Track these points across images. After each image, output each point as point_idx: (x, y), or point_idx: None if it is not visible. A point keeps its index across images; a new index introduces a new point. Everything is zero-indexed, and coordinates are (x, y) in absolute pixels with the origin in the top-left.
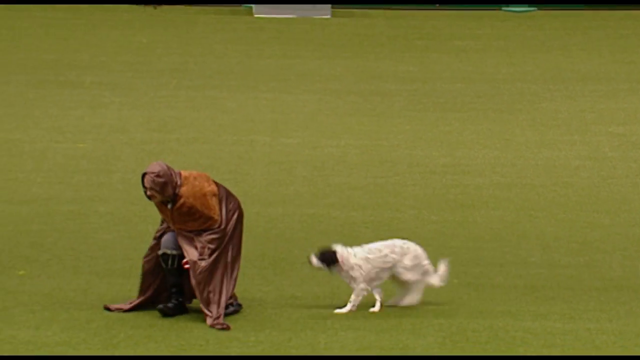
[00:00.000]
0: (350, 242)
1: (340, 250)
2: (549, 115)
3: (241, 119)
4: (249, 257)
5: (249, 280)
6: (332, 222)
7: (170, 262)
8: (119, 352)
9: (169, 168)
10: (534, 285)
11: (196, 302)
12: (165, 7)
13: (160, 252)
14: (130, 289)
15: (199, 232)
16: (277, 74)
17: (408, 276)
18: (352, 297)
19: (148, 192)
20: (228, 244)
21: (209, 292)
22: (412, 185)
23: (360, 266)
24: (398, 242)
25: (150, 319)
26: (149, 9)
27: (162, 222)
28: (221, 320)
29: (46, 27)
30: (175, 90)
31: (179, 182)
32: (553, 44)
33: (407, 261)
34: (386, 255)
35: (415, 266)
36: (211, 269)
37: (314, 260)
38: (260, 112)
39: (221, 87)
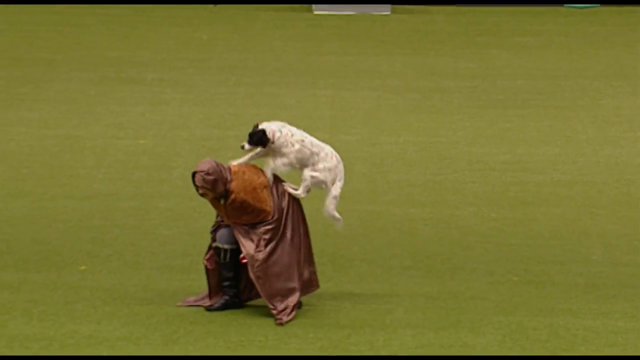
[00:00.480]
0: (409, 240)
1: (268, 127)
2: (611, 111)
3: (300, 116)
4: None
5: None
6: (390, 219)
7: (222, 255)
8: (179, 347)
9: (218, 164)
10: (595, 284)
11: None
12: (224, 5)
13: (213, 246)
14: (190, 285)
15: (254, 225)
16: (336, 70)
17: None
18: (276, 163)
19: (200, 191)
20: (285, 231)
21: (270, 284)
22: (472, 182)
23: (293, 144)
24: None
25: (210, 315)
26: (209, 7)
27: (217, 215)
28: (287, 312)
29: (108, 25)
30: (235, 87)
31: (229, 178)
32: (616, 40)
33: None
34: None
35: (330, 173)
36: (269, 261)
37: (247, 146)
38: (319, 108)
39: (280, 83)
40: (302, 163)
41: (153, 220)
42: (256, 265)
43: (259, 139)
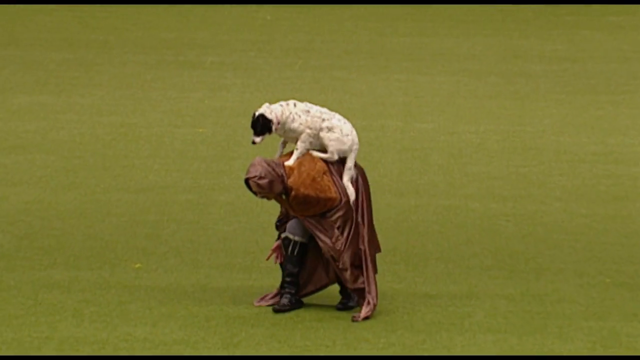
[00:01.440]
0: (490, 237)
1: (266, 109)
2: None
3: (371, 102)
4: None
5: (379, 276)
6: (469, 215)
7: (291, 248)
8: (240, 351)
9: (268, 164)
10: None
11: (317, 297)
12: None
13: (283, 236)
14: (252, 285)
15: (323, 214)
16: (411, 53)
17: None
18: (298, 144)
19: (259, 196)
20: (357, 213)
21: (357, 275)
22: (559, 175)
23: (299, 115)
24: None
25: (273, 317)
26: None
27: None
28: (370, 309)
29: (165, 4)
30: (301, 71)
31: (284, 174)
32: None
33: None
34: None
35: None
36: (350, 248)
37: (257, 139)
38: (392, 94)
39: (350, 67)
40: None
41: (212, 215)
42: (338, 256)
43: (262, 125)
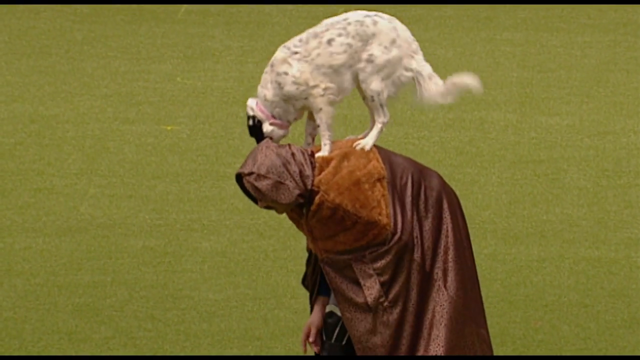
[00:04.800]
0: None
1: (251, 103)
2: None
3: None
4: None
5: None
6: (636, 275)
7: (337, 332)
8: None
9: (281, 154)
10: None
11: None
12: None
13: (327, 309)
14: None
15: (361, 253)
16: None
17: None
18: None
19: (260, 205)
20: (424, 262)
21: None
22: None
23: (291, 66)
24: None
25: None
26: None
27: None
28: None
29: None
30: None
31: (308, 172)
32: None
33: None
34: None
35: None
36: (398, 322)
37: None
38: (499, 66)
39: (427, 19)
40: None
41: (189, 274)
42: (378, 332)
43: (252, 129)
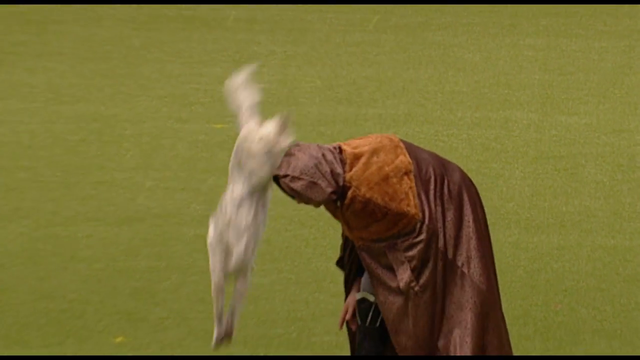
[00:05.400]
0: None
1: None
2: None
3: (488, 82)
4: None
5: None
6: None
7: (370, 315)
8: None
9: (318, 154)
10: None
11: None
12: None
13: (358, 296)
14: None
15: (393, 241)
16: (552, 4)
17: None
18: None
19: (296, 200)
20: (447, 251)
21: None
22: None
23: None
24: None
25: None
26: None
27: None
28: None
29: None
30: (377, 33)
31: (339, 170)
32: None
33: None
34: None
35: None
36: (428, 304)
37: None
38: (522, 70)
39: (455, 27)
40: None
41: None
42: (412, 314)
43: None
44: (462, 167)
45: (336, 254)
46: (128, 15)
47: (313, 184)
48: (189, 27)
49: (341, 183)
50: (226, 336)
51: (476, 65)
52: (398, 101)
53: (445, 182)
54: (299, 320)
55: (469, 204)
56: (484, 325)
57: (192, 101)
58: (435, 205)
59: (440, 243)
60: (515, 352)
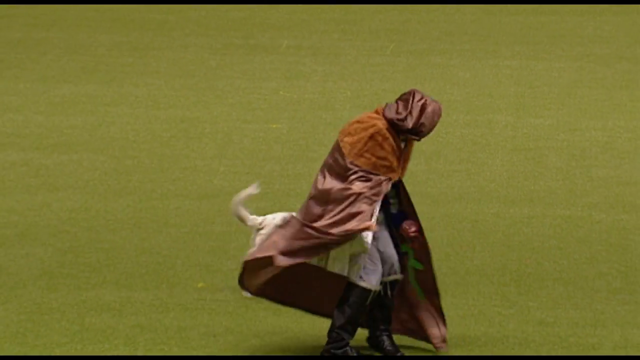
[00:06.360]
0: (620, 255)
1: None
2: None
3: (476, 93)
4: (485, 269)
5: (485, 299)
6: (594, 228)
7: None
8: None
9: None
10: None
11: None
12: None
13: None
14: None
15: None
16: (524, 34)
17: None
18: None
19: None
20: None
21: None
22: None
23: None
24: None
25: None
26: None
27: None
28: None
29: None
30: (393, 56)
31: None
32: None
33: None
34: None
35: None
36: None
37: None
38: (501, 84)
39: (451, 52)
40: None
41: None
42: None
43: None
44: (457, 158)
45: None
46: (207, 44)
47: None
48: (252, 52)
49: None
50: None
51: (467, 81)
52: None
53: None
54: None
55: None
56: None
57: (254, 107)
58: None
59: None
60: (495, 296)
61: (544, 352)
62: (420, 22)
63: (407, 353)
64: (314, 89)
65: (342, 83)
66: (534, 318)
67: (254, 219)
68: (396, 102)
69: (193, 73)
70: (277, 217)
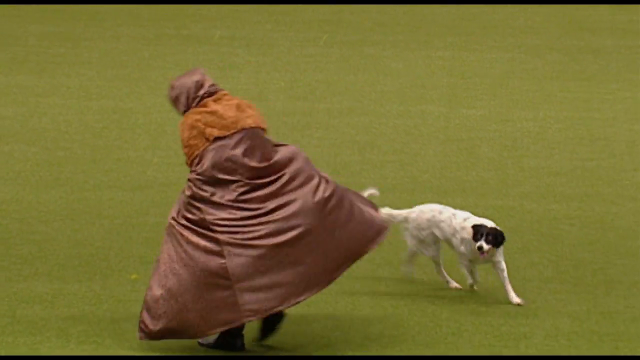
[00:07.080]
0: (551, 244)
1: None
2: None
3: (409, 84)
4: (419, 259)
5: (418, 288)
6: (525, 217)
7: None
8: None
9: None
10: None
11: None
12: None
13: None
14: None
15: None
16: (456, 25)
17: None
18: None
19: None
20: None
21: None
22: (633, 170)
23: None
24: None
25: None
26: None
27: None
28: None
29: None
30: (326, 47)
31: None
32: None
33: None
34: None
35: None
36: None
37: (485, 246)
38: (433, 75)
39: (384, 43)
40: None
41: None
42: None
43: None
44: (390, 149)
45: None
46: (140, 34)
47: None
48: (185, 43)
49: None
50: None
51: (400, 72)
52: (342, 98)
53: None
54: None
55: None
56: None
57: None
58: None
59: None
60: (427, 286)
61: (476, 342)
62: (353, 13)
63: (397, 349)
64: (247, 79)
65: (275, 74)
66: (467, 309)
67: (399, 214)
68: None
69: (125, 64)
70: (416, 210)
